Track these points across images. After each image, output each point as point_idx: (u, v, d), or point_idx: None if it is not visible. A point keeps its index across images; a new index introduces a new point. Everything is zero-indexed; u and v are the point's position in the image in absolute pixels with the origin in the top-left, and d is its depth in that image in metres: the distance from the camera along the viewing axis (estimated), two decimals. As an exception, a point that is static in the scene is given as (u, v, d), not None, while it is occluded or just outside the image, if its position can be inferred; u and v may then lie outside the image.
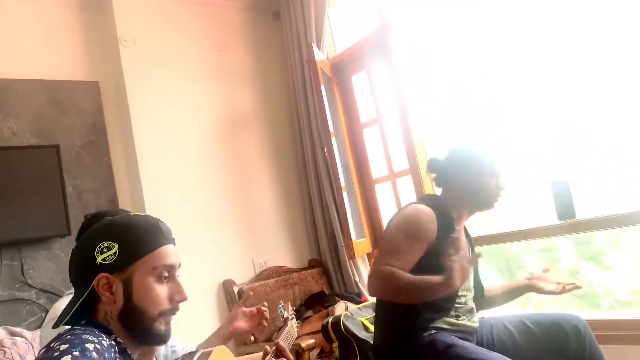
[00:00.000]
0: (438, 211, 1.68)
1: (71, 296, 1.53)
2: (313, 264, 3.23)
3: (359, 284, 2.93)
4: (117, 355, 0.95)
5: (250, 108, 3.31)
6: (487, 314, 1.89)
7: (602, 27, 2.13)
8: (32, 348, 1.89)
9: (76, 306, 0.99)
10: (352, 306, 2.40)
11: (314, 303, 2.83)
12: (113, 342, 0.96)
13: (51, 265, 2.54)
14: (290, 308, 1.57)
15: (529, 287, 1.85)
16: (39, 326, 2.38)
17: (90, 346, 0.86)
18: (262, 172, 3.26)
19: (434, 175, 1.84)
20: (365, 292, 2.87)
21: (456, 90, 2.83)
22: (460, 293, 1.70)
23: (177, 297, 1.05)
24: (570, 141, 2.34)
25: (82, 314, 1.02)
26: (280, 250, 3.22)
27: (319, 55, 2.95)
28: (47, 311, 2.46)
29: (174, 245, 1.10)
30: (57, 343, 0.86)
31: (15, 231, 2.43)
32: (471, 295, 1.78)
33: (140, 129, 2.81)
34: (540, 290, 1.81)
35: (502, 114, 2.61)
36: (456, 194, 1.76)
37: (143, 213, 1.14)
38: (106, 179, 2.80)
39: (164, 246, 1.06)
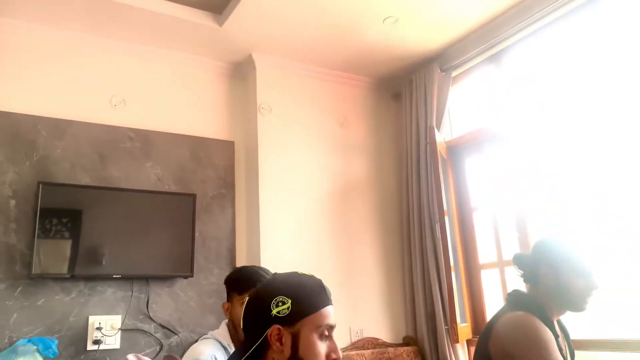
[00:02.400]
0: (539, 315, 1.61)
1: (206, 340, 1.70)
2: (408, 341, 3.20)
3: (457, 370, 2.86)
4: None
5: (363, 180, 3.47)
6: None
7: None
8: (157, 377, 2.04)
9: (250, 351, 1.12)
10: (453, 391, 2.35)
11: (409, 382, 2.79)
12: None
13: (171, 302, 2.76)
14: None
15: None
16: (153, 358, 2.56)
17: None
18: (366, 241, 3.36)
19: (521, 271, 1.77)
20: (463, 380, 2.79)
21: (571, 184, 2.80)
22: None
23: (333, 355, 1.13)
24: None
25: (249, 358, 1.13)
26: (376, 322, 3.23)
27: (438, 138, 3.08)
28: (161, 345, 2.65)
29: (332, 305, 1.19)
30: None
31: (148, 267, 2.69)
32: None
33: (266, 189, 3.05)
34: None
35: (616, 212, 2.54)
36: (547, 293, 1.68)
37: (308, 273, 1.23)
38: (228, 230, 3.03)
39: (327, 306, 1.15)
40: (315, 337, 1.12)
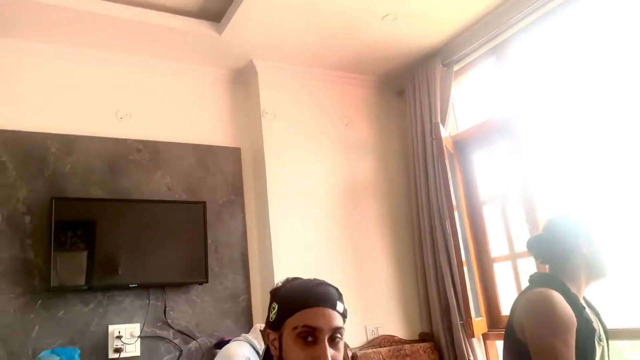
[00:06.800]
0: (562, 292, 1.62)
1: (239, 342, 1.73)
2: (424, 337, 3.21)
3: (473, 363, 2.87)
4: None
5: (370, 179, 3.49)
6: None
7: None
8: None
9: (263, 351, 1.19)
10: (470, 384, 2.36)
11: (427, 377, 2.80)
12: None
13: (188, 309, 2.80)
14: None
15: None
16: (173, 365, 2.61)
17: None
18: (377, 239, 3.37)
19: (538, 254, 1.78)
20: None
21: (580, 173, 2.80)
22: None
23: None
24: None
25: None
26: (391, 320, 3.24)
27: (443, 133, 3.08)
28: (180, 351, 2.70)
29: (333, 309, 1.13)
30: None
31: (163, 275, 2.73)
32: None
33: (274, 191, 3.08)
34: None
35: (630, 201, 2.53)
36: (570, 268, 1.70)
37: (312, 278, 1.25)
38: (239, 235, 3.07)
39: (311, 308, 1.11)
40: (291, 339, 1.10)
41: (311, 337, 1.09)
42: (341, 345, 1.13)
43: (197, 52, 3.09)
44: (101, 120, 2.91)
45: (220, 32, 2.91)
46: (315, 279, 1.21)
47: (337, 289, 1.19)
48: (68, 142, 2.77)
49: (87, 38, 2.84)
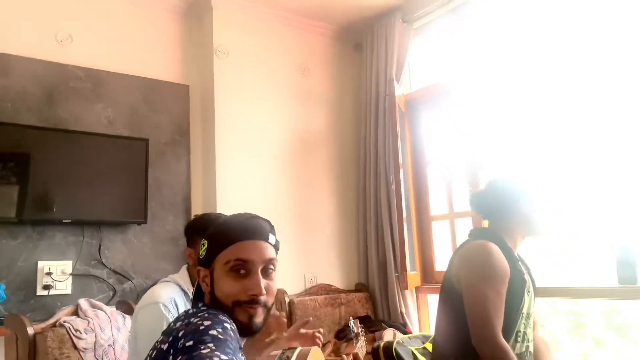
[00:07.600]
0: (499, 245, 1.72)
1: (165, 284, 1.69)
2: (360, 287, 3.31)
3: (405, 314, 3.00)
4: None
5: (322, 130, 3.46)
6: None
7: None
8: (110, 322, 2.04)
9: (194, 289, 1.18)
10: (400, 334, 2.47)
11: (359, 326, 2.91)
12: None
13: (124, 248, 2.72)
14: (360, 325, 1.66)
15: None
16: (107, 303, 2.54)
17: (227, 325, 0.99)
18: (323, 191, 3.39)
19: (479, 209, 1.88)
20: (410, 324, 2.94)
21: (526, 142, 2.90)
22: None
23: (249, 291, 1.08)
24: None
25: (194, 298, 1.18)
26: (329, 269, 3.31)
27: (397, 91, 3.08)
28: (114, 290, 2.64)
29: (265, 241, 1.13)
30: (197, 319, 0.99)
31: (99, 212, 2.62)
32: (530, 324, 1.78)
33: (222, 135, 2.99)
34: None
35: (571, 172, 2.65)
36: (508, 224, 1.80)
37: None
38: (183, 177, 2.98)
39: (243, 241, 1.10)
40: (223, 273, 1.10)
41: (244, 270, 1.09)
42: (274, 276, 1.15)
43: (148, -23, 2.87)
44: (38, 41, 2.66)
45: (175, -42, 2.71)
46: (246, 213, 1.20)
47: (268, 222, 1.19)
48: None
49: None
